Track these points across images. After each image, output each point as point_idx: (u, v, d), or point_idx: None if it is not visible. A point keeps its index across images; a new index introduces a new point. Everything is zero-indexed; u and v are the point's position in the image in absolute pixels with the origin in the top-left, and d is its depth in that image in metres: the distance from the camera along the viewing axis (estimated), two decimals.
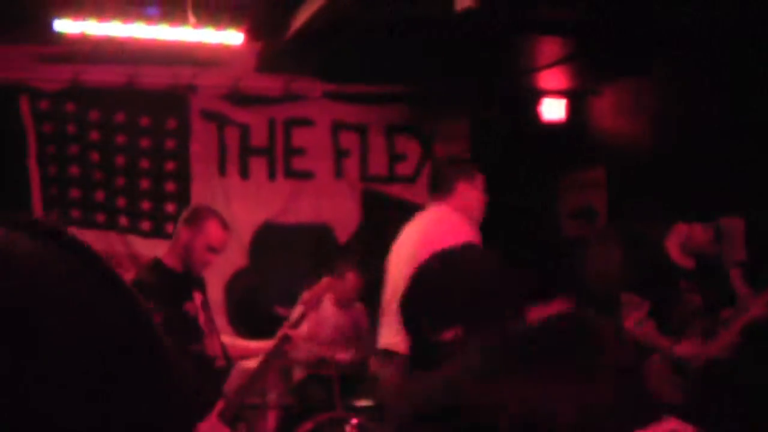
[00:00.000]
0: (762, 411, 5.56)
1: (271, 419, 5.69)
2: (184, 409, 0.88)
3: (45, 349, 0.71)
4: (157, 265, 4.51)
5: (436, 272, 2.03)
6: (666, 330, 5.21)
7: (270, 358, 4.70)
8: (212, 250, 4.49)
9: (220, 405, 4.57)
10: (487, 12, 5.37)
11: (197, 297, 4.58)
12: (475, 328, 1.89)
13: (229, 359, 4.77)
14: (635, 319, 5.18)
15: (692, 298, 5.27)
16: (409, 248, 4.66)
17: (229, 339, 4.98)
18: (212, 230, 4.49)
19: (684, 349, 5.15)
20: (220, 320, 7.23)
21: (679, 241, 5.31)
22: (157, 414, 0.79)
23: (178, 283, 4.49)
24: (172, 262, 4.51)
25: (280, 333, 4.76)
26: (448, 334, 1.89)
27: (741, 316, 5.18)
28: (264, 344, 4.88)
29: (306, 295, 5.57)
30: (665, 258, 5.33)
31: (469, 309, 1.94)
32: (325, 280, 5.42)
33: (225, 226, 4.57)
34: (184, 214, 4.58)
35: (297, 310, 5.56)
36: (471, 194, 4.82)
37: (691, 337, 5.22)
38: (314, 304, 5.45)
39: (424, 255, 2.37)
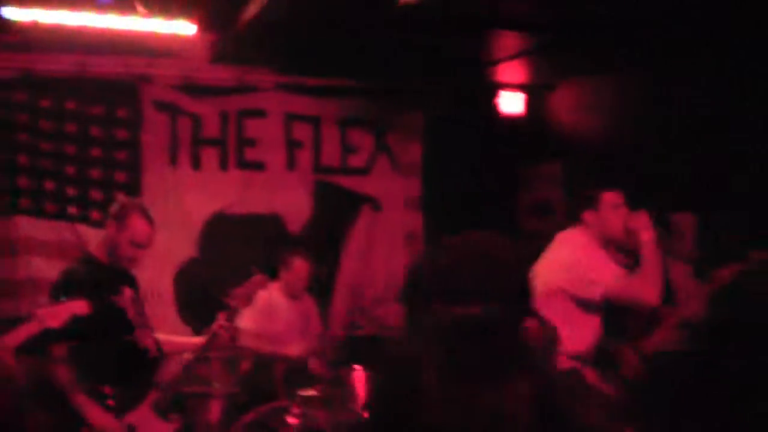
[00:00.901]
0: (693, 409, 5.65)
1: (215, 409, 5.69)
2: None
3: None
4: (86, 257, 4.66)
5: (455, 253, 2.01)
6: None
7: (202, 353, 4.74)
8: (137, 245, 4.61)
9: (153, 395, 4.61)
10: (429, 6, 5.42)
11: (126, 292, 4.68)
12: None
13: (162, 352, 4.81)
14: None
15: None
16: None
17: (165, 336, 5.02)
18: (136, 225, 4.61)
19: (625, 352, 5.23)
20: (169, 311, 7.25)
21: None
22: None
23: (106, 276, 4.60)
24: (101, 255, 4.63)
25: (211, 329, 4.79)
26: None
27: (677, 312, 5.24)
28: (199, 341, 4.90)
29: (237, 291, 5.61)
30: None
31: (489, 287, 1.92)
32: (257, 277, 5.55)
33: (150, 221, 4.67)
34: (112, 209, 4.65)
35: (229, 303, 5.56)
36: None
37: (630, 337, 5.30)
38: (244, 301, 5.52)
39: None
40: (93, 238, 6.86)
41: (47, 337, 4.20)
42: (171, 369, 4.95)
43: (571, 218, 5.35)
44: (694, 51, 6.40)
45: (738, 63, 6.13)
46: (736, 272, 4.62)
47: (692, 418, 1.63)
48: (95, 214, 7.08)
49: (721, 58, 6.28)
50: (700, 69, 6.51)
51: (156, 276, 7.08)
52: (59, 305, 4.18)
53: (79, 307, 4.19)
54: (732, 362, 1.61)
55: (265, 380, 6.31)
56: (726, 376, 1.64)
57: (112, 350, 4.50)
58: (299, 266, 6.80)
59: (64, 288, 4.41)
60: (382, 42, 6.83)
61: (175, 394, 4.80)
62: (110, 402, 4.44)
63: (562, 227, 7.87)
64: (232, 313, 5.06)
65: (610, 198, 5.13)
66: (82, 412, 4.38)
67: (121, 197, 5.02)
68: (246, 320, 6.34)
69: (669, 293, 5.46)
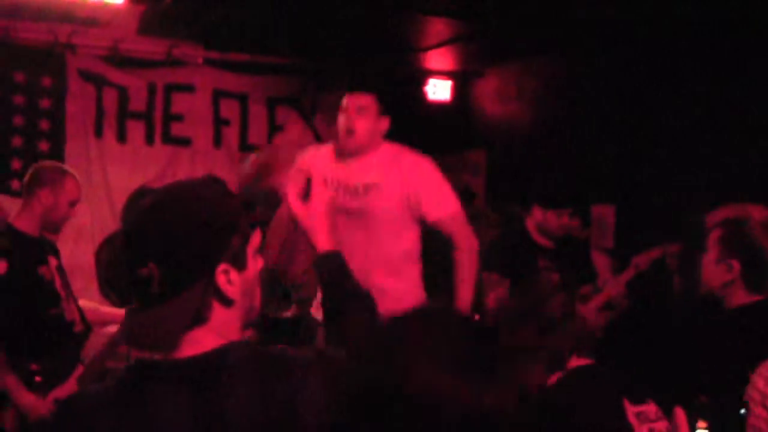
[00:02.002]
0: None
1: None
2: None
3: None
4: (8, 228, 4.50)
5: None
6: None
7: (116, 339, 4.67)
8: (74, 203, 4.57)
9: (79, 370, 4.53)
10: None
11: (52, 261, 4.58)
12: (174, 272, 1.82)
13: (88, 324, 4.73)
14: (495, 297, 5.31)
15: (550, 275, 5.44)
16: None
17: (92, 305, 4.93)
18: (71, 186, 4.56)
19: None
20: (90, 285, 7.11)
21: (535, 223, 5.49)
22: None
23: (32, 247, 4.50)
24: (25, 226, 4.51)
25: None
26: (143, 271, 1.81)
27: (598, 294, 5.44)
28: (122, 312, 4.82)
29: None
30: (526, 237, 5.52)
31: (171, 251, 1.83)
32: None
33: (76, 178, 4.63)
34: (34, 175, 4.54)
35: None
36: None
37: None
38: None
39: None
40: (13, 208, 6.74)
41: None
42: (95, 344, 4.87)
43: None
44: (619, 39, 6.47)
45: (665, 46, 6.21)
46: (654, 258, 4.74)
47: None
48: (15, 184, 6.93)
49: (648, 46, 6.36)
50: (625, 58, 6.59)
51: (77, 249, 6.97)
52: None
53: None
54: None
55: None
56: None
57: (39, 323, 4.41)
58: None
59: None
60: (312, 20, 6.79)
61: (101, 370, 4.72)
62: (37, 378, 4.35)
63: (483, 215, 8.04)
64: None
65: None
66: (11, 393, 4.29)
67: (44, 163, 4.88)
68: None
69: (592, 279, 5.57)
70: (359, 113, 4.60)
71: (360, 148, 4.60)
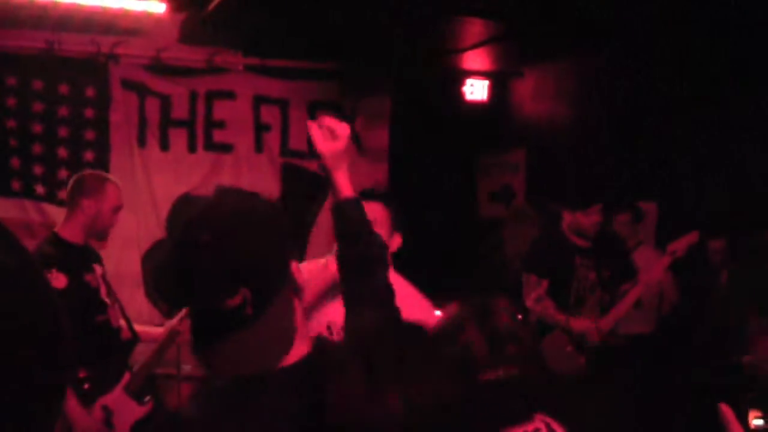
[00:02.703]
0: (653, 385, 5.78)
1: (185, 391, 5.67)
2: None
3: None
4: (54, 237, 4.51)
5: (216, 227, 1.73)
6: (564, 305, 5.45)
7: (164, 346, 4.69)
8: (117, 210, 4.57)
9: (126, 377, 4.57)
10: None
11: (97, 269, 4.59)
12: (264, 290, 1.70)
13: (135, 332, 4.76)
14: (534, 298, 5.37)
15: (587, 274, 5.51)
16: None
17: (139, 328, 4.95)
18: (114, 193, 4.56)
19: (579, 324, 5.40)
20: (137, 293, 7.21)
21: (567, 225, 5.55)
22: None
23: (78, 255, 4.50)
24: (70, 235, 4.51)
25: (167, 326, 4.73)
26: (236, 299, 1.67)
27: (633, 290, 5.43)
28: (161, 330, 4.83)
29: None
30: (563, 238, 5.56)
31: (258, 269, 1.71)
32: None
33: (118, 185, 4.63)
34: (76, 185, 4.54)
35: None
36: None
37: (587, 312, 5.47)
38: None
39: None
40: (59, 217, 6.83)
41: None
42: (143, 351, 4.91)
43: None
44: (656, 38, 6.45)
45: (704, 44, 6.19)
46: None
47: None
48: (62, 194, 7.00)
49: (684, 46, 6.34)
50: (663, 56, 6.57)
51: (123, 257, 7.05)
52: None
53: (56, 280, 4.11)
54: None
55: None
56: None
57: (86, 331, 4.37)
58: None
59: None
60: (352, 26, 6.84)
61: (148, 377, 4.75)
62: (86, 385, 4.34)
63: (523, 214, 8.03)
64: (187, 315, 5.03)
65: None
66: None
67: (85, 172, 4.87)
68: None
69: (632, 275, 5.60)
70: None
71: None
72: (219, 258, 1.68)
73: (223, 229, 1.73)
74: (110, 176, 4.79)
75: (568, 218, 5.53)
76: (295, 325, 1.78)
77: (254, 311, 1.67)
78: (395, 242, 3.73)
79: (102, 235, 4.64)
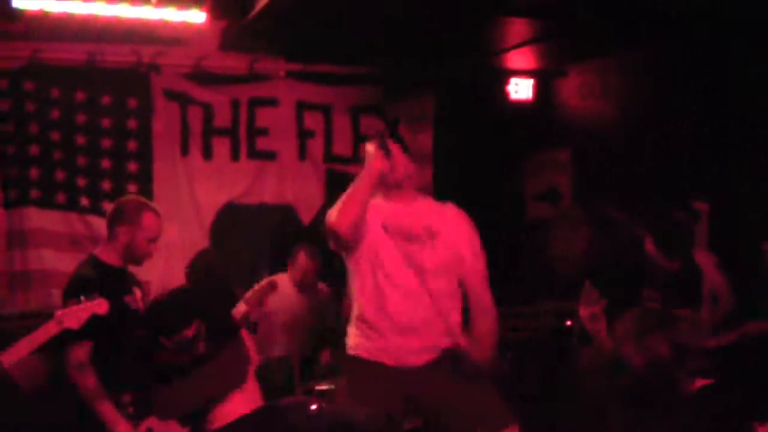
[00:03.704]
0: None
1: None
2: None
3: None
4: (94, 260, 4.53)
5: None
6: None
7: None
8: (153, 240, 4.58)
9: None
10: None
11: (137, 292, 4.62)
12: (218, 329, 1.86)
13: None
14: (590, 313, 5.04)
15: (648, 306, 5.20)
16: None
17: None
18: (150, 223, 4.56)
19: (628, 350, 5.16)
20: None
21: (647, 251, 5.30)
22: None
23: (117, 277, 4.53)
24: (109, 258, 4.54)
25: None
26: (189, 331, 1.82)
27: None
28: None
29: (247, 296, 5.70)
30: (641, 262, 5.35)
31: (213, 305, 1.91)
32: (265, 280, 5.72)
33: (157, 213, 4.62)
34: (115, 212, 4.59)
35: (239, 309, 5.54)
36: None
37: None
38: (255, 306, 5.68)
39: None
40: (104, 229, 6.85)
41: (67, 339, 4.15)
42: None
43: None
44: (704, 35, 6.34)
45: (752, 40, 6.08)
46: None
47: None
48: (106, 205, 6.99)
49: (732, 43, 6.23)
50: (710, 54, 6.46)
51: (168, 268, 7.03)
52: (78, 305, 4.09)
53: (99, 306, 4.14)
54: None
55: (279, 376, 6.23)
56: None
57: (126, 353, 4.33)
58: (302, 260, 6.60)
59: (80, 289, 4.29)
60: (393, 29, 6.79)
61: None
62: (130, 409, 4.35)
63: (569, 215, 7.91)
64: (241, 319, 5.00)
65: None
66: (108, 421, 4.28)
67: (127, 198, 4.96)
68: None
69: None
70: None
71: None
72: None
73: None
74: (151, 204, 4.78)
75: (649, 247, 5.29)
76: (241, 382, 1.90)
77: (206, 350, 1.81)
78: None
79: (139, 262, 4.66)
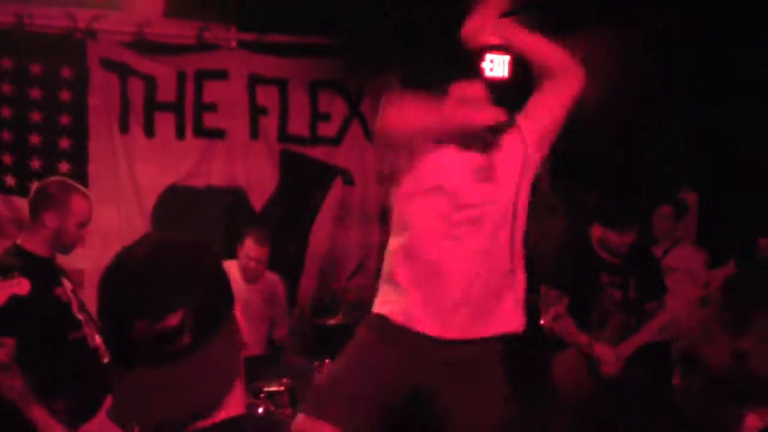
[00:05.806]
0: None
1: None
2: None
3: None
4: (17, 250, 4.29)
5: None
6: (586, 326, 5.23)
7: None
8: (83, 225, 4.38)
9: (108, 402, 4.14)
10: None
11: (66, 284, 4.39)
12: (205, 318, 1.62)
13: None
14: (553, 314, 5.21)
15: (613, 292, 5.30)
16: None
17: None
18: (79, 206, 4.35)
19: (601, 350, 5.15)
20: None
21: (596, 239, 5.32)
22: None
23: (45, 267, 4.31)
24: (34, 247, 4.29)
25: None
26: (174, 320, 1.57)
27: (659, 316, 5.22)
28: None
29: None
30: (590, 252, 5.35)
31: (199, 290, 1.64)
32: None
33: (86, 195, 4.43)
34: (38, 195, 4.37)
35: None
36: None
37: (609, 335, 5.22)
38: None
39: None
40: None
41: None
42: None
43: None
44: (698, 12, 6.18)
45: (744, 24, 6.12)
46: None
47: None
48: (35, 186, 6.57)
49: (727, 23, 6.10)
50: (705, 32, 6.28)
51: (104, 256, 6.53)
52: None
53: (19, 285, 3.98)
54: None
55: None
56: None
57: (61, 350, 4.18)
58: (250, 247, 6.35)
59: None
60: None
61: None
62: (62, 414, 4.12)
63: (547, 201, 7.62)
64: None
65: None
66: (41, 427, 4.01)
67: (49, 180, 4.61)
68: None
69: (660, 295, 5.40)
70: None
71: None
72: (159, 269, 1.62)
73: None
74: (78, 185, 4.49)
75: (597, 232, 5.28)
76: (232, 381, 1.69)
77: (192, 342, 1.59)
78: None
79: (67, 250, 4.42)
